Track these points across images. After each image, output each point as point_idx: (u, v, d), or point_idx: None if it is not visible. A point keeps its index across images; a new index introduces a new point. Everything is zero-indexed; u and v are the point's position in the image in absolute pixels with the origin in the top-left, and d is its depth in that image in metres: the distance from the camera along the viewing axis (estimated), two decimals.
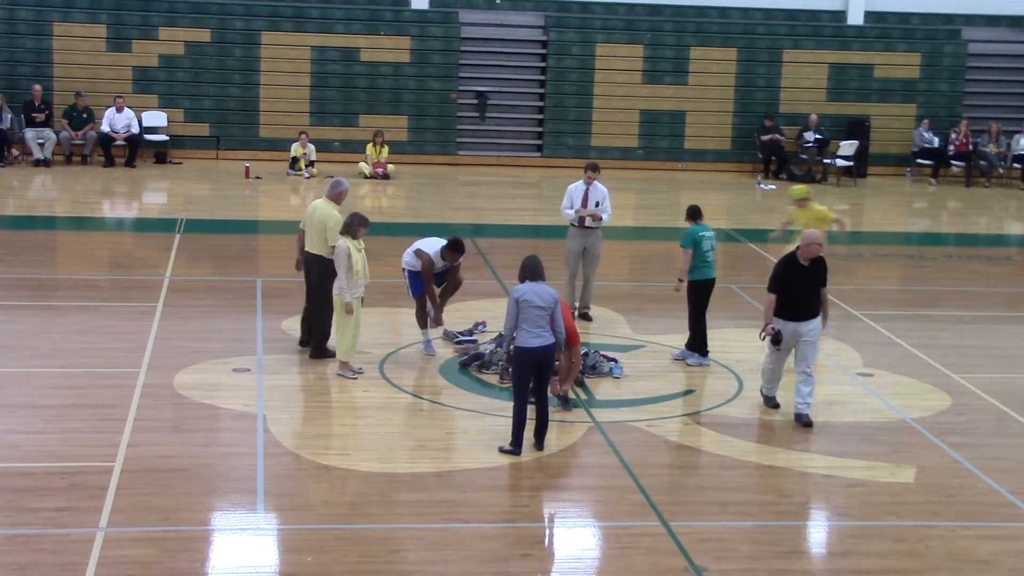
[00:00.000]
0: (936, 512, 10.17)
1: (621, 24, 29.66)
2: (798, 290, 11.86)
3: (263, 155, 27.30)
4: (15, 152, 26.10)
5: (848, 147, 28.25)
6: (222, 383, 12.47)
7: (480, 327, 14.59)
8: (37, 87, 26.46)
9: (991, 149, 29.02)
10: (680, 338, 14.16)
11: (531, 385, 10.90)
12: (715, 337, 14.28)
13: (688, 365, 13.75)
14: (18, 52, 27.57)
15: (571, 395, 12.21)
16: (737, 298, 16.49)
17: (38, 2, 27.61)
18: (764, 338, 12.05)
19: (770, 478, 10.91)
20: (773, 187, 27.46)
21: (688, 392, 13.05)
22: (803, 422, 11.94)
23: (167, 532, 9.17)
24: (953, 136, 29.08)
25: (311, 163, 26.09)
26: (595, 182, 15.17)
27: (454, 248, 13.62)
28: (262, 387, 12.38)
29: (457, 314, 14.59)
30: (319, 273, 13.13)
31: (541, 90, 29.40)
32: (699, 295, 13.80)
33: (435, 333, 13.93)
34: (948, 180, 29.29)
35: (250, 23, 28.20)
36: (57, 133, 26.27)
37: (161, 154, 27.18)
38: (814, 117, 28.79)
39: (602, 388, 12.91)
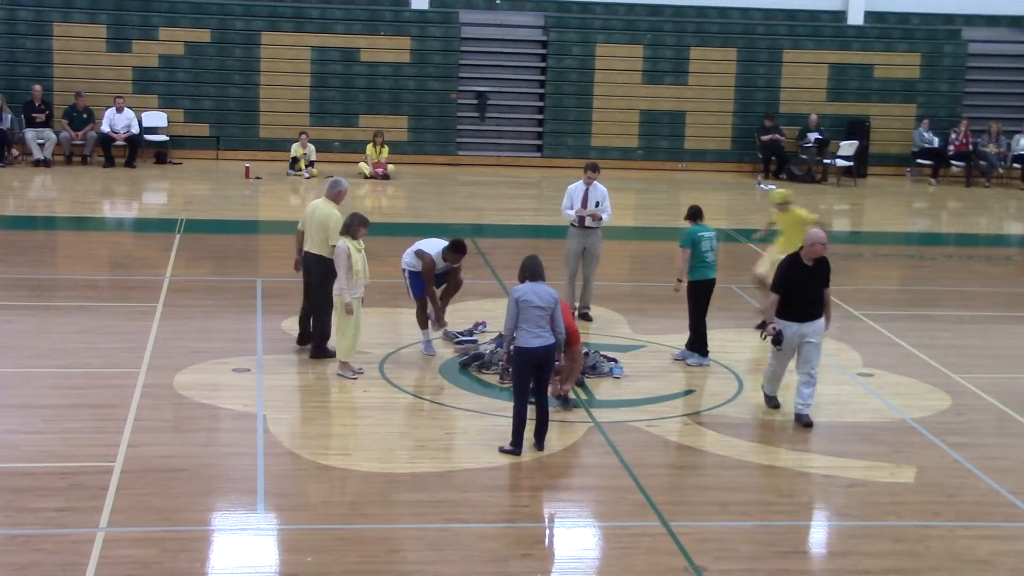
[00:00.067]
0: (936, 512, 10.17)
1: (621, 24, 29.67)
2: (801, 290, 11.83)
3: (263, 155, 27.30)
4: (15, 152, 26.10)
5: (848, 147, 28.25)
6: (222, 383, 12.47)
7: (480, 327, 14.59)
8: (37, 87, 26.46)
9: (991, 149, 29.02)
10: (680, 338, 14.16)
11: (531, 385, 10.91)
12: (715, 337, 14.28)
13: (688, 365, 13.75)
14: (18, 52, 27.58)
15: (571, 395, 12.21)
16: (737, 298, 16.49)
17: (38, 2, 27.61)
18: (765, 338, 12.04)
19: (770, 478, 10.91)
20: (773, 187, 27.42)
21: (688, 392, 13.05)
22: (803, 422, 11.94)
23: (167, 532, 9.17)
24: (953, 136, 29.08)
25: (311, 163, 26.10)
26: (595, 182, 15.17)
27: (456, 249, 13.62)
28: (262, 387, 12.38)
29: (457, 314, 14.58)
30: (319, 273, 13.13)
31: (541, 90, 29.41)
32: (699, 295, 13.80)
33: (435, 333, 13.92)
34: (948, 180, 29.29)
35: (250, 23, 28.21)
36: (57, 133, 26.28)
37: (161, 154, 27.18)
38: (814, 117, 28.79)
39: (602, 388, 12.91)
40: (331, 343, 13.23)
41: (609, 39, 29.24)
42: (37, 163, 25.86)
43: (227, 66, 28.12)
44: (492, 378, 13.02)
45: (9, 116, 26.14)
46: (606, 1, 29.82)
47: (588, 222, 15.17)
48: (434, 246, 13.69)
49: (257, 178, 25.43)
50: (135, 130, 26.62)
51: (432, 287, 13.63)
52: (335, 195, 13.40)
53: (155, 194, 25.13)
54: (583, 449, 11.29)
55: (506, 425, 11.03)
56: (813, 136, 28.54)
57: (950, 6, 30.50)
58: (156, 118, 27.48)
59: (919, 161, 29.41)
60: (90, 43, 27.47)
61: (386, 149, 26.67)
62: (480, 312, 15.18)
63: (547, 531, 9.82)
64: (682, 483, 10.84)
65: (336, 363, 12.92)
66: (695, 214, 14.05)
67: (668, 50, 29.33)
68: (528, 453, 10.89)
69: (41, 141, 25.99)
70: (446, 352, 13.83)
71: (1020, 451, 11.72)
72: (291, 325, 14.03)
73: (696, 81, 29.35)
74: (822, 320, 11.97)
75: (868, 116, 29.51)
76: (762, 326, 13.69)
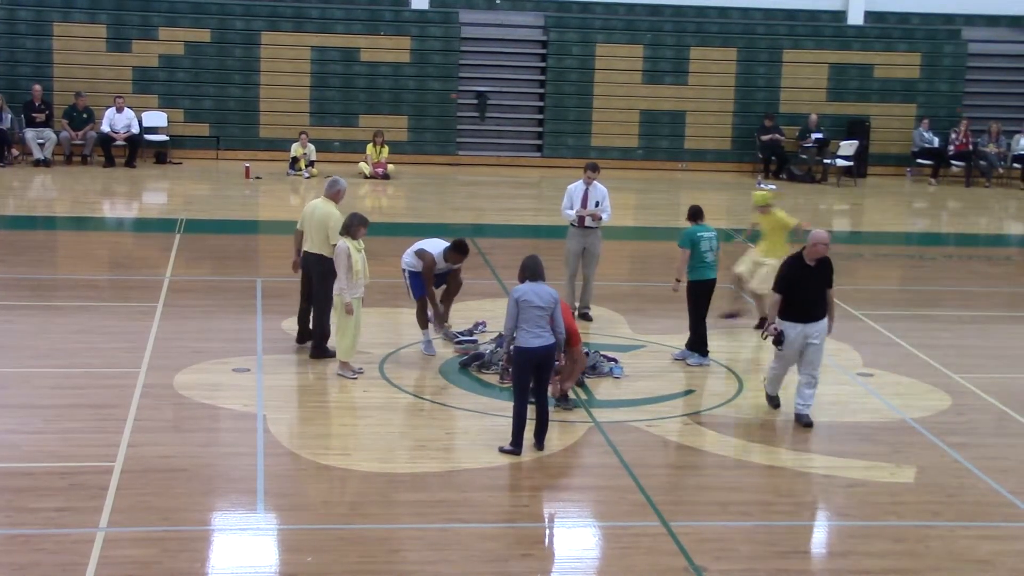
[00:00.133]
0: (936, 512, 10.16)
1: (621, 24, 29.67)
2: (804, 290, 11.79)
3: (263, 155, 27.31)
4: (15, 152, 26.11)
5: (848, 147, 28.26)
6: (222, 383, 12.47)
7: (480, 327, 14.59)
8: (37, 87, 26.47)
9: (991, 149, 29.03)
10: (680, 338, 14.16)
11: (531, 385, 10.91)
12: (715, 337, 14.29)
13: (688, 365, 13.75)
14: (18, 52, 27.59)
15: (571, 395, 12.21)
16: (737, 298, 16.47)
17: (38, 2, 27.62)
18: (766, 337, 12.02)
19: (770, 478, 10.91)
20: (773, 187, 27.42)
21: (688, 392, 13.05)
22: (803, 423, 11.93)
23: (167, 532, 9.17)
24: (953, 136, 29.09)
25: (311, 163, 26.10)
26: (595, 182, 15.17)
27: (458, 250, 13.62)
28: (262, 387, 12.38)
29: (457, 314, 14.57)
30: (319, 272, 13.14)
31: (541, 90, 29.41)
32: (698, 295, 13.79)
33: (435, 333, 13.92)
34: (948, 180, 29.30)
35: (250, 23, 28.21)
36: (57, 133, 26.28)
37: (161, 154, 27.19)
38: (814, 117, 28.79)
39: (602, 388, 12.91)
40: (331, 343, 13.23)
41: (609, 39, 29.25)
42: (37, 163, 25.87)
43: (227, 66, 28.13)
44: (492, 378, 13.01)
45: (9, 116, 26.15)
46: (606, 1, 29.83)
47: (588, 222, 15.17)
48: (435, 246, 13.69)
49: (257, 178, 25.43)
50: (135, 130, 26.63)
51: (431, 287, 13.62)
52: (334, 194, 13.42)
53: (155, 194, 25.13)
54: (583, 449, 11.29)
55: (506, 425, 11.03)
56: (814, 136, 28.54)
57: (950, 6, 30.51)
58: (156, 118, 27.49)
59: (919, 161, 29.42)
60: (90, 43, 27.48)
61: (386, 149, 26.67)
62: (480, 312, 15.18)
63: (547, 531, 9.82)
64: (682, 483, 10.84)
65: (336, 363, 12.92)
66: (695, 214, 14.06)
67: (668, 50, 29.34)
68: (528, 453, 10.89)
69: (41, 141, 26.00)
70: (446, 352, 13.83)
71: (1020, 451, 11.72)
72: (291, 325, 14.03)
73: (696, 81, 29.36)
74: (825, 321, 11.94)
75: (868, 116, 29.52)
76: (761, 324, 13.81)
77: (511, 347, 11.04)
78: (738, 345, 14.61)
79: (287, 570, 8.80)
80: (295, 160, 26.03)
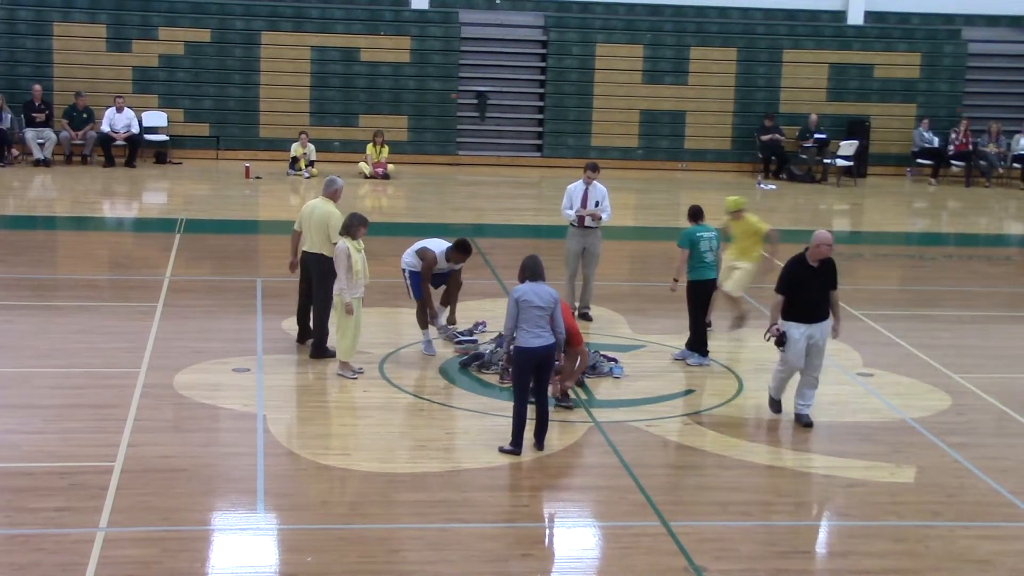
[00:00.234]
0: (936, 512, 10.16)
1: (621, 24, 29.67)
2: (806, 291, 11.75)
3: (263, 155, 27.32)
4: (15, 152, 26.11)
5: (848, 147, 28.25)
6: (222, 383, 12.47)
7: (480, 327, 14.59)
8: (37, 87, 26.47)
9: (991, 149, 29.03)
10: (680, 338, 14.17)
11: (531, 385, 10.91)
12: (715, 337, 14.29)
13: (688, 365, 13.75)
14: (18, 52, 27.59)
15: (571, 395, 12.20)
16: (737, 298, 16.45)
17: (38, 2, 27.62)
18: (769, 339, 11.99)
19: (770, 478, 10.90)
20: (773, 187, 27.47)
21: (688, 392, 13.05)
22: (803, 423, 11.93)
23: (167, 532, 9.17)
24: (953, 136, 29.09)
25: (311, 163, 26.10)
26: (594, 182, 15.17)
27: (461, 249, 13.62)
28: (262, 387, 12.38)
29: (457, 314, 14.57)
30: (320, 272, 13.14)
31: (541, 90, 29.42)
32: (698, 295, 13.80)
33: (435, 333, 13.92)
34: (948, 180, 29.30)
35: (250, 23, 28.21)
36: (57, 133, 26.28)
37: (161, 154, 27.19)
38: (814, 117, 28.79)
39: (602, 388, 12.91)
40: (331, 343, 13.23)
41: (609, 39, 29.25)
42: (37, 163, 25.87)
43: (227, 66, 28.13)
44: (492, 378, 13.01)
45: (9, 116, 26.16)
46: (606, 1, 29.83)
47: (588, 222, 15.17)
48: (437, 245, 13.70)
49: (257, 178, 25.43)
50: (135, 130, 26.63)
51: (427, 285, 13.60)
52: (332, 193, 13.45)
53: (155, 194, 25.13)
54: (583, 449, 11.29)
55: (506, 425, 11.03)
56: (814, 136, 28.53)
57: (950, 6, 30.51)
58: (156, 118, 27.49)
59: (919, 161, 29.42)
60: (90, 43, 27.48)
61: (386, 149, 26.67)
62: (480, 312, 15.18)
63: (547, 531, 9.82)
64: (682, 483, 10.84)
65: (336, 363, 12.92)
66: (696, 214, 14.07)
67: (668, 50, 29.34)
68: (528, 453, 10.89)
69: (41, 141, 26.00)
70: (446, 352, 13.83)
71: (1020, 451, 11.72)
72: (291, 325, 14.03)
73: (696, 81, 29.36)
74: (828, 322, 11.92)
75: (868, 116, 29.52)
76: (739, 321, 13.89)
77: (511, 347, 11.04)
78: (738, 345, 14.61)
79: (287, 570, 8.80)
80: (295, 160, 26.03)
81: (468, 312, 15.09)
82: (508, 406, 11.29)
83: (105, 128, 26.36)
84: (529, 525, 9.77)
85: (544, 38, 29.28)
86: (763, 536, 9.63)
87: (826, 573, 9.25)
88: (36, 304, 15.67)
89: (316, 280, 13.24)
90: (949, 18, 30.56)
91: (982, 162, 28.99)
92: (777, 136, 28.68)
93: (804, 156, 28.71)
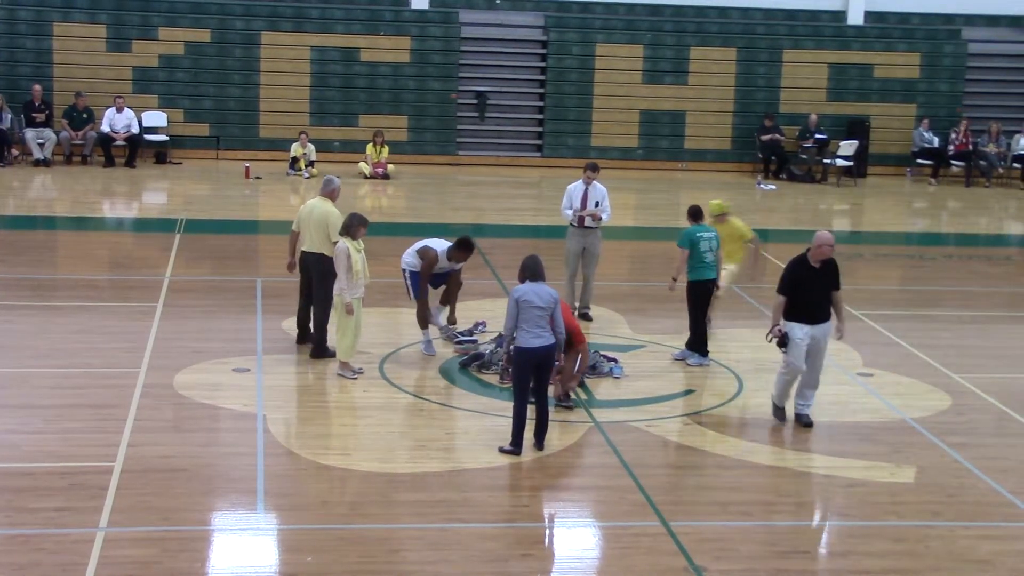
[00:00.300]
0: (936, 512, 10.16)
1: (621, 24, 29.67)
2: (808, 292, 11.73)
3: (263, 155, 27.31)
4: (15, 152, 26.11)
5: (848, 147, 28.25)
6: (222, 383, 12.47)
7: (480, 327, 14.59)
8: (37, 87, 26.47)
9: (991, 149, 29.03)
10: (680, 338, 14.17)
11: (531, 385, 10.90)
12: (715, 337, 14.29)
13: (688, 365, 13.75)
14: (18, 52, 27.59)
15: (571, 395, 12.20)
16: (737, 298, 16.47)
17: (38, 2, 27.62)
18: (771, 340, 11.96)
19: (770, 478, 10.90)
20: (773, 187, 27.47)
21: (688, 392, 13.05)
22: (803, 422, 11.93)
23: (167, 532, 9.17)
24: (953, 136, 29.09)
25: (311, 163, 26.10)
26: (594, 182, 15.17)
27: (463, 248, 13.61)
28: (262, 387, 12.38)
29: (457, 314, 14.57)
30: (319, 272, 13.14)
31: (541, 90, 29.41)
32: (698, 295, 13.80)
33: (435, 333, 13.92)
34: (948, 180, 29.30)
35: (250, 23, 28.21)
36: (57, 133, 26.29)
37: (161, 154, 27.19)
38: (814, 117, 28.79)
39: (602, 388, 12.91)
40: (331, 343, 13.23)
41: (609, 39, 29.25)
42: (37, 163, 25.87)
43: (227, 66, 28.13)
44: (492, 378, 13.01)
45: (9, 116, 26.16)
46: (606, 1, 29.83)
47: (588, 222, 15.17)
48: (438, 245, 13.69)
49: (257, 178, 25.43)
50: (135, 130, 26.63)
51: (425, 284, 13.59)
52: (329, 193, 13.49)
53: (155, 194, 25.13)
54: (583, 449, 11.29)
55: (506, 425, 11.03)
56: (814, 136, 28.53)
57: (950, 6, 30.51)
58: (156, 118, 27.49)
59: (919, 161, 29.42)
60: (90, 43, 27.48)
61: (386, 149, 26.67)
62: (480, 312, 15.18)
63: (547, 531, 9.82)
64: (682, 483, 10.84)
65: (336, 363, 12.92)
66: (695, 214, 14.08)
67: (668, 50, 29.34)
68: (528, 453, 10.89)
69: (41, 141, 26.00)
70: (446, 352, 13.83)
71: (1020, 451, 11.72)
72: (291, 325, 14.03)
73: (696, 81, 29.36)
74: (830, 323, 11.91)
75: (868, 116, 29.52)
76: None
77: (511, 347, 11.04)
78: (738, 345, 14.61)
79: (287, 570, 8.80)
80: (295, 160, 26.03)
81: (468, 312, 15.09)
82: (508, 406, 11.29)
83: (105, 128, 26.36)
84: (529, 525, 9.77)
85: (544, 38, 29.28)
86: (763, 536, 9.63)
87: (826, 573, 9.24)
88: (36, 304, 15.67)
89: (316, 280, 13.25)
90: (949, 18, 30.56)
91: (982, 162, 28.99)
92: (777, 136, 28.68)
93: (804, 156, 28.71)
